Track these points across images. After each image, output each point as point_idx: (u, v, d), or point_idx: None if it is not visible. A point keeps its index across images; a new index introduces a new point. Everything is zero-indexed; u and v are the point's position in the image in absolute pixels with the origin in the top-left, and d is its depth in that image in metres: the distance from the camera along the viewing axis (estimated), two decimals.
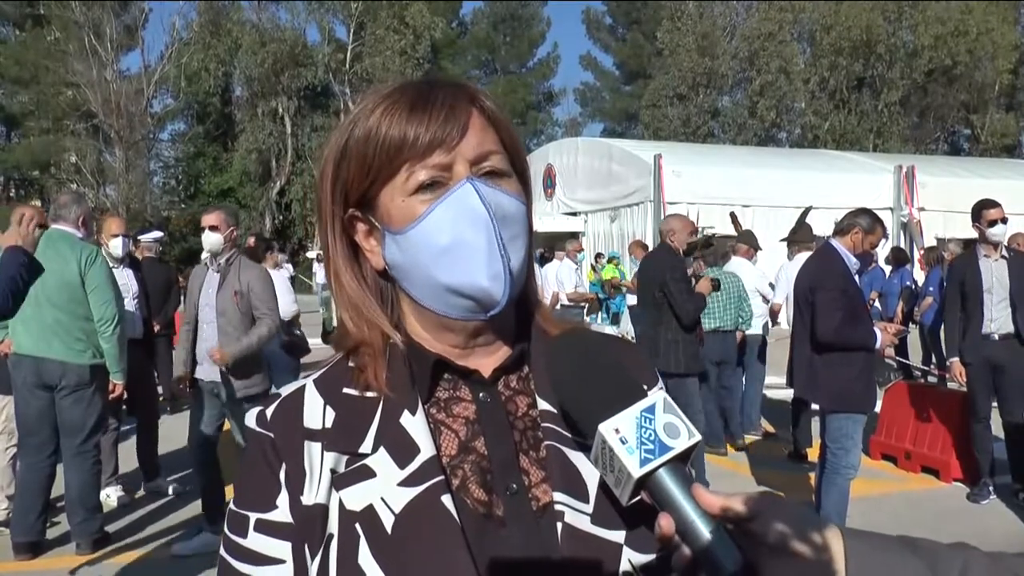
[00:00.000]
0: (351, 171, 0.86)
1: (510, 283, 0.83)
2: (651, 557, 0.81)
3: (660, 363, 5.24)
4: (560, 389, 0.83)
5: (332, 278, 0.91)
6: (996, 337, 5.58)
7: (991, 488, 5.75)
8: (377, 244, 0.88)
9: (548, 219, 18.19)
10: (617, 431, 0.73)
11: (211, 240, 4.67)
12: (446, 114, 0.83)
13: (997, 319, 5.57)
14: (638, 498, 0.74)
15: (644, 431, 0.73)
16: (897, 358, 10.30)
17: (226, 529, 0.87)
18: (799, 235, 7.79)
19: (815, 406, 5.70)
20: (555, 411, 0.86)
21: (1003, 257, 5.61)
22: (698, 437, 0.74)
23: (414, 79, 0.90)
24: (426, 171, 0.82)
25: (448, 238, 0.82)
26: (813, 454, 5.91)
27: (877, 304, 10.43)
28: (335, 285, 0.91)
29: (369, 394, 0.85)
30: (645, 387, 0.89)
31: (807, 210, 8.73)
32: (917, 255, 13.50)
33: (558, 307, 11.44)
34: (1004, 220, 5.56)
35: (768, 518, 0.69)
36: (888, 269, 11.43)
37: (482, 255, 0.82)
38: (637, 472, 0.71)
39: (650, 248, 10.74)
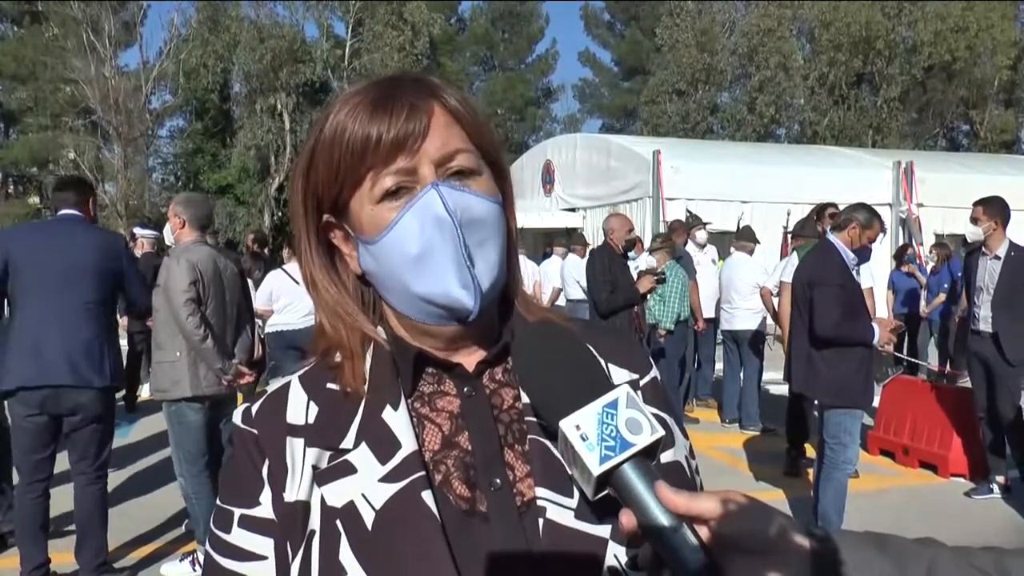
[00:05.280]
0: (320, 177, 0.85)
1: (479, 292, 0.82)
2: (637, 551, 0.79)
3: None
4: (524, 383, 0.82)
5: (309, 285, 0.90)
6: (986, 334, 5.63)
7: (993, 486, 5.75)
8: (353, 248, 0.88)
9: (547, 215, 18.17)
10: (578, 427, 0.72)
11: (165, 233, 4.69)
12: (407, 113, 0.81)
13: (986, 317, 5.62)
14: (605, 492, 0.73)
15: (606, 427, 0.72)
16: (896, 354, 10.31)
17: (212, 524, 0.87)
18: (806, 229, 7.79)
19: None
20: None
21: (997, 257, 5.62)
22: (661, 432, 0.73)
23: (381, 76, 0.89)
24: (391, 178, 0.81)
25: (417, 247, 0.81)
26: (811, 450, 5.91)
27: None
28: (313, 291, 0.90)
29: (351, 389, 0.85)
30: (628, 372, 0.90)
31: (817, 207, 8.74)
32: (916, 251, 13.49)
33: (559, 303, 11.42)
34: (975, 221, 5.64)
35: (733, 518, 0.67)
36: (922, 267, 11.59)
37: (451, 264, 0.81)
38: (597, 470, 0.70)
39: (647, 244, 10.77)
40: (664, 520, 0.68)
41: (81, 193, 4.30)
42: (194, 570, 4.43)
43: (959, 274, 9.61)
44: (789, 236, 9.90)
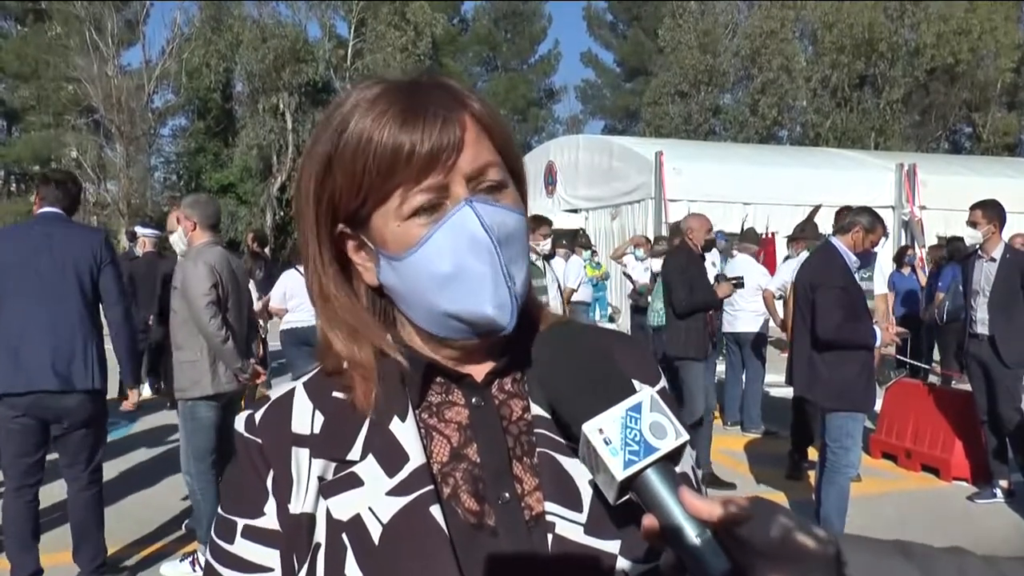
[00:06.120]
0: (339, 186, 0.80)
1: (515, 309, 0.79)
2: (648, 567, 0.78)
3: (672, 348, 5.95)
4: (544, 385, 0.80)
5: (318, 297, 0.85)
6: (983, 337, 5.64)
7: (997, 491, 5.74)
8: (369, 259, 0.84)
9: (549, 216, 18.15)
10: (601, 431, 0.71)
11: (173, 239, 4.65)
12: (441, 126, 0.77)
13: (983, 319, 5.64)
14: (627, 497, 0.72)
15: (629, 431, 0.70)
16: (898, 357, 10.30)
17: (213, 534, 0.85)
18: (806, 232, 7.80)
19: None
20: (548, 416, 0.83)
21: (992, 259, 5.62)
22: (685, 437, 0.71)
23: (399, 78, 0.84)
24: (422, 195, 0.77)
25: (449, 266, 0.77)
26: (813, 453, 5.90)
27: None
28: (321, 303, 0.85)
29: (359, 404, 0.83)
30: (639, 383, 0.86)
31: (816, 208, 8.77)
32: (919, 253, 13.49)
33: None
34: (973, 224, 5.64)
35: (757, 523, 0.66)
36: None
37: (487, 283, 0.78)
38: (620, 475, 0.69)
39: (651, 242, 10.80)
40: (688, 526, 0.67)
41: (65, 191, 4.14)
42: (194, 570, 4.42)
43: (938, 279, 9.78)
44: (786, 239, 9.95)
